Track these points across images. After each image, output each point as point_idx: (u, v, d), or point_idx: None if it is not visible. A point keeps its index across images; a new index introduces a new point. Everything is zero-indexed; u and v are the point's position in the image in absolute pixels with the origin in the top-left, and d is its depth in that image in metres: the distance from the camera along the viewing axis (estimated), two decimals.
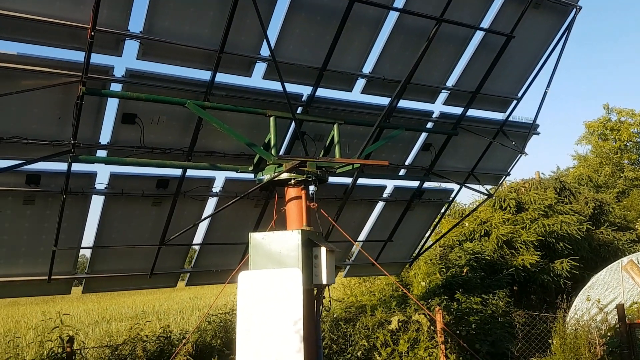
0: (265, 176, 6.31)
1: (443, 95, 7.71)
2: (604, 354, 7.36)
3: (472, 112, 8.11)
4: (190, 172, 6.67)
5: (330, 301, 6.75)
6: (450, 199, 9.30)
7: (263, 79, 6.36)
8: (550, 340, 9.46)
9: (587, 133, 36.68)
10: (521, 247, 13.10)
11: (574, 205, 16.38)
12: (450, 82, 7.57)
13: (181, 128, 6.35)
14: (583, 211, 16.43)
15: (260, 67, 6.34)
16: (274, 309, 5.59)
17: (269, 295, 5.66)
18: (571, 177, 26.15)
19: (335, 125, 6.82)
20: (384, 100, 7.21)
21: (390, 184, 8.53)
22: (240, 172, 6.55)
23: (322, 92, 6.96)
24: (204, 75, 6.07)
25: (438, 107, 7.88)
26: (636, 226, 21.06)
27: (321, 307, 6.32)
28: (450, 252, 12.35)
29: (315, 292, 6.15)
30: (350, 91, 7.12)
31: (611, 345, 6.96)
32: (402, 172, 8.43)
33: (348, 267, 9.58)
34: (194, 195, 6.88)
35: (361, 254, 9.25)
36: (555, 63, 7.69)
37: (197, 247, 7.66)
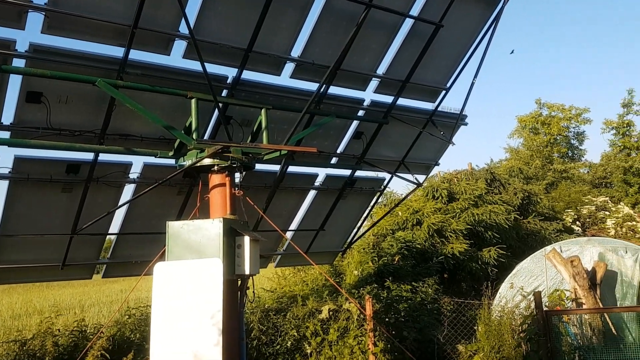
0: (187, 162, 6.02)
1: (374, 83, 7.63)
2: (522, 341, 7.57)
3: (402, 101, 8.10)
4: (105, 157, 6.25)
5: (254, 292, 6.58)
6: (382, 187, 9.29)
7: (183, 58, 6.03)
8: (475, 327, 9.67)
9: (520, 127, 38.23)
10: (451, 236, 13.38)
11: (503, 196, 16.94)
12: (381, 70, 7.49)
13: (92, 108, 5.91)
14: (512, 201, 17.01)
15: (180, 46, 6.00)
16: (192, 302, 5.34)
17: (186, 287, 5.40)
18: (503, 169, 27.14)
19: (263, 110, 6.60)
20: (314, 86, 7.04)
21: (322, 173, 8.42)
22: (159, 157, 6.21)
23: (249, 75, 6.70)
24: (118, 52, 5.67)
25: (369, 95, 7.83)
26: (563, 216, 22.16)
27: (245, 298, 6.12)
28: (383, 241, 12.43)
29: (238, 282, 5.94)
30: (279, 75, 6.89)
31: (529, 332, 7.17)
32: (333, 160, 8.32)
33: (279, 257, 9.40)
34: (109, 182, 6.46)
35: (294, 243, 9.10)
36: (482, 53, 7.76)
37: (113, 237, 7.23)
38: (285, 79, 7.13)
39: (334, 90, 7.38)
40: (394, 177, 8.92)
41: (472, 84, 7.97)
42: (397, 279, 10.90)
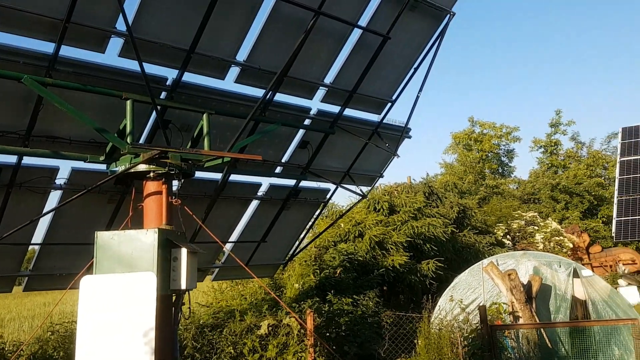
0: (119, 167, 5.58)
1: (321, 92, 7.48)
2: (466, 356, 7.59)
3: (349, 112, 8.00)
4: (29, 160, 5.71)
5: (190, 308, 6.20)
6: (327, 198, 9.13)
7: (119, 56, 5.61)
8: (415, 341, 9.66)
9: (454, 143, 39.50)
10: (392, 248, 13.43)
11: (441, 209, 17.28)
12: (329, 79, 7.35)
13: (17, 108, 5.38)
14: (448, 215, 17.37)
15: (117, 43, 5.58)
16: (122, 319, 4.91)
17: (116, 303, 4.96)
18: (438, 184, 27.86)
19: (204, 115, 6.27)
20: (260, 92, 6.78)
21: (265, 182, 8.14)
22: (89, 162, 5.76)
23: (190, 78, 6.36)
24: (49, 48, 5.19)
25: (316, 104, 7.67)
26: (495, 230, 22.90)
27: (180, 314, 5.73)
28: (325, 253, 12.27)
29: (173, 298, 5.55)
30: (223, 79, 6.59)
31: (473, 347, 7.19)
32: (278, 169, 8.08)
33: (217, 270, 9.00)
34: (33, 187, 5.90)
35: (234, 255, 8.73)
36: (427, 68, 7.82)
37: (37, 248, 6.62)
38: (229, 83, 6.85)
39: (280, 97, 7.17)
40: (338, 189, 8.79)
41: (417, 97, 8.00)
42: (339, 292, 10.74)
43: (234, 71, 6.56)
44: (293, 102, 7.41)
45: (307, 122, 7.71)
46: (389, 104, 8.19)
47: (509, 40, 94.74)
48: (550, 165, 35.96)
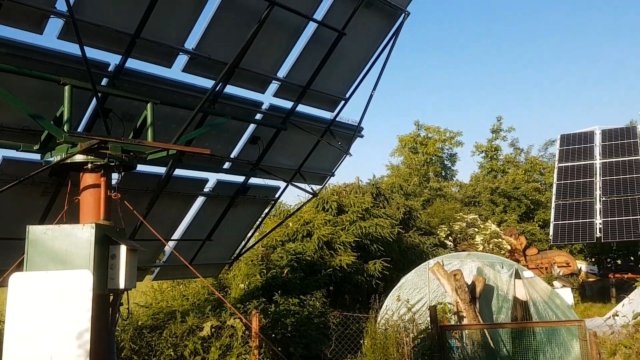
0: (55, 157, 5.20)
1: (274, 86, 7.27)
2: (412, 355, 7.59)
3: (302, 108, 7.84)
4: None
5: (128, 309, 5.87)
6: (276, 196, 8.92)
7: (58, 38, 5.20)
8: (362, 341, 9.61)
9: (400, 146, 40.15)
10: (340, 248, 13.37)
11: (387, 210, 17.41)
12: (282, 73, 7.16)
13: None
14: (395, 216, 17.53)
15: (56, 24, 5.17)
16: (55, 319, 4.55)
17: (48, 302, 4.59)
18: (385, 185, 28.18)
19: (149, 105, 5.94)
20: (209, 83, 6.51)
21: (212, 178, 7.86)
22: (21, 150, 5.33)
23: (135, 65, 6.01)
24: None
25: (268, 98, 7.44)
26: (438, 231, 23.38)
27: (117, 315, 5.39)
28: (273, 253, 12.05)
29: (110, 298, 5.21)
30: (170, 67, 6.27)
31: (422, 347, 7.19)
32: (226, 165, 7.81)
33: (158, 269, 8.60)
34: None
35: (175, 255, 8.36)
36: (382, 67, 7.78)
37: None
38: (176, 72, 6.53)
39: (231, 90, 6.92)
40: (288, 187, 8.61)
41: (371, 96, 7.95)
42: (286, 292, 10.56)
43: (181, 59, 6.26)
44: (244, 95, 7.17)
45: (258, 116, 7.48)
46: (343, 102, 8.10)
47: (456, 45, 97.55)
48: (490, 169, 37.24)
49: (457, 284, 8.77)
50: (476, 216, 27.82)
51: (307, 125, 7.97)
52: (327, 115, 8.26)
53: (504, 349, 9.36)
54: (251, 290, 10.42)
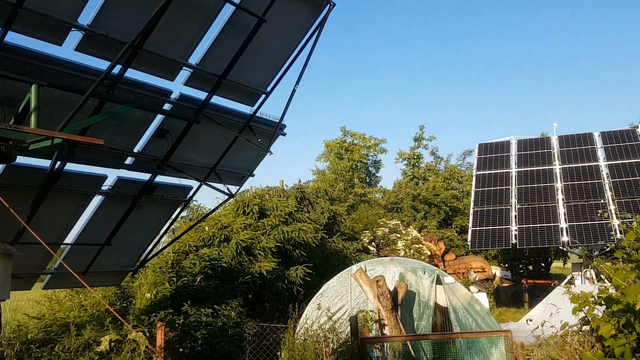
0: None
1: (185, 73, 6.55)
2: None
3: (218, 100, 7.17)
4: None
5: (1, 322, 4.96)
6: (188, 197, 8.15)
7: None
8: (279, 353, 9.02)
9: (326, 151, 40.01)
10: (260, 254, 12.70)
11: (312, 215, 16.97)
12: (195, 60, 6.47)
13: None
14: (319, 220, 17.12)
15: None
16: None
17: None
18: (310, 190, 27.80)
19: (33, 87, 5.09)
20: (103, 65, 5.70)
21: (112, 175, 6.99)
22: None
23: (18, 40, 5.12)
24: None
25: (178, 87, 6.72)
26: (361, 237, 23.29)
27: None
28: (185, 259, 11.16)
29: None
30: (60, 45, 5.43)
31: None
32: (129, 160, 6.97)
33: (49, 276, 7.57)
34: None
35: (71, 260, 7.38)
36: (305, 60, 7.28)
37: None
38: (69, 51, 5.67)
39: (134, 75, 6.13)
40: (204, 187, 7.89)
41: (294, 90, 7.42)
42: (198, 301, 9.73)
43: (74, 36, 5.45)
44: (150, 81, 6.40)
45: (167, 107, 6.72)
46: (264, 96, 7.50)
47: (383, 54, 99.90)
48: (412, 177, 37.93)
49: (379, 290, 8.41)
50: (398, 222, 28.11)
51: (223, 119, 7.30)
52: (246, 109, 7.64)
53: (424, 358, 9.12)
54: (159, 300, 9.51)
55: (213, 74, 6.70)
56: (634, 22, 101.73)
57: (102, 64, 5.83)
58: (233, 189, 8.29)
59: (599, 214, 16.04)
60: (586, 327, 4.88)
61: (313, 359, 8.36)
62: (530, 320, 18.29)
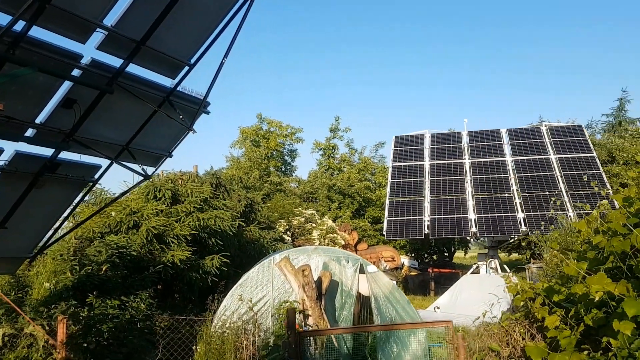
0: None
1: (98, 36, 5.78)
2: None
3: (135, 69, 6.44)
4: None
5: None
6: (96, 177, 7.33)
7: None
8: (194, 347, 8.47)
9: (242, 138, 39.16)
10: (173, 242, 11.95)
11: (228, 202, 16.35)
12: (110, 21, 5.71)
13: None
14: (236, 208, 16.54)
15: None
16: None
17: None
18: (224, 177, 26.97)
19: None
20: (5, 20, 4.86)
21: (10, 148, 6.10)
22: None
23: None
24: None
25: (90, 51, 5.94)
26: (277, 226, 22.96)
27: None
28: (89, 246, 10.20)
29: None
30: None
31: (275, 358, 6.29)
32: (29, 132, 6.10)
33: None
34: None
35: None
36: (235, 31, 6.75)
37: None
38: None
39: (40, 33, 5.30)
40: (110, 169, 7.13)
41: (222, 64, 6.86)
42: (104, 292, 8.92)
43: None
44: (56, 42, 5.58)
45: (76, 72, 5.91)
46: (187, 68, 6.85)
47: (302, 43, 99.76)
48: (327, 167, 38.17)
49: (305, 280, 8.12)
50: (314, 212, 28.10)
51: (140, 91, 6.59)
52: (166, 82, 6.96)
53: (345, 347, 9.00)
54: (59, 291, 8.59)
55: (131, 38, 5.98)
56: (541, 29, 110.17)
57: (2, 19, 4.99)
58: (149, 170, 7.58)
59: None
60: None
61: (232, 352, 7.91)
62: (438, 308, 19.08)
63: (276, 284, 9.35)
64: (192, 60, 6.87)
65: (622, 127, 35.31)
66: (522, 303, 4.36)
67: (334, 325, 8.88)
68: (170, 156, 7.96)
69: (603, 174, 19.00)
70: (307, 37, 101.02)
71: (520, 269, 20.82)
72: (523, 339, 4.34)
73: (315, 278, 8.84)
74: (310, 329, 8.11)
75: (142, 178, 7.40)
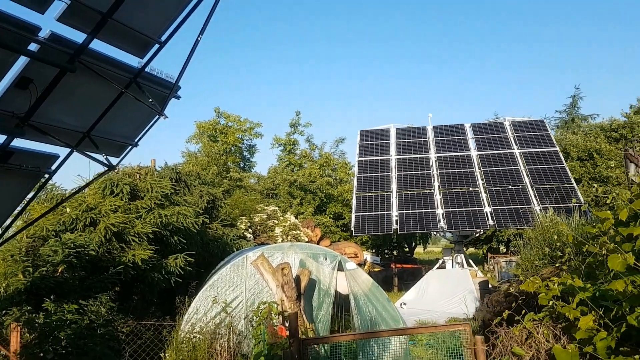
0: None
1: (59, 5, 5.04)
2: None
3: (99, 46, 5.71)
4: None
5: None
6: (54, 168, 6.54)
7: None
8: (162, 354, 7.81)
9: (198, 133, 38.03)
10: (134, 240, 11.15)
11: (189, 198, 15.59)
12: None
13: None
14: (198, 204, 15.80)
15: None
16: None
17: None
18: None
19: None
20: None
21: None
22: None
23: None
24: None
25: (49, 22, 5.22)
26: (238, 223, 22.27)
27: None
28: (43, 246, 9.30)
29: None
30: None
31: None
32: None
33: None
34: None
35: None
36: (212, 7, 6.12)
37: None
38: None
39: None
40: (73, 155, 6.37)
41: (197, 41, 6.21)
42: (60, 296, 8.12)
43: None
44: (13, 12, 4.82)
45: (33, 47, 5.15)
46: (157, 46, 6.15)
47: (261, 38, 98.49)
48: (288, 163, 37.56)
49: (284, 279, 7.59)
50: (276, 208, 27.56)
51: (105, 71, 5.86)
52: (134, 62, 6.25)
53: (322, 349, 8.54)
54: (10, 295, 7.73)
55: (96, 9, 5.26)
56: (503, 28, 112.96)
57: None
58: (113, 161, 6.85)
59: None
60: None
61: (206, 359, 7.31)
62: (404, 304, 18.90)
63: (250, 284, 8.78)
64: (163, 38, 6.17)
65: (575, 124, 36.41)
66: (548, 303, 4.00)
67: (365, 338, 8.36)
68: (136, 145, 7.24)
69: (567, 168, 19.32)
70: (267, 31, 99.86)
71: (477, 264, 20.94)
72: (547, 341, 3.98)
73: (294, 276, 8.33)
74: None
75: (105, 169, 6.67)
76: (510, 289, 10.55)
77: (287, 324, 7.76)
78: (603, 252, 3.71)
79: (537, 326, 4.06)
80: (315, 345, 7.93)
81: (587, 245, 3.99)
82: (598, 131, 33.13)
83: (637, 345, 3.41)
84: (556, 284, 3.86)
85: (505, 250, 32.83)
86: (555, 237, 7.60)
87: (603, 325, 3.52)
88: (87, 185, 8.41)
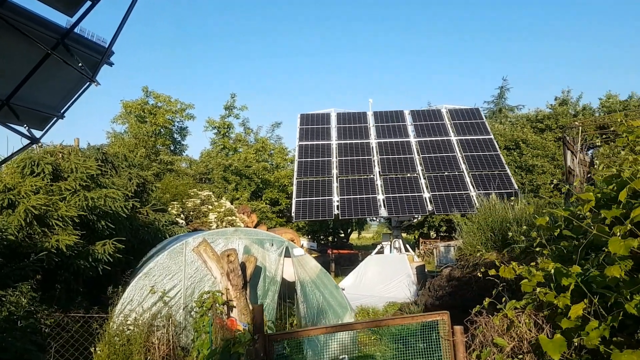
0: None
1: None
2: None
3: (22, 1, 4.90)
4: None
5: None
6: None
7: None
8: (92, 348, 7.08)
9: (125, 113, 36.03)
10: (57, 224, 10.14)
11: (117, 180, 14.53)
12: None
13: None
14: (127, 187, 14.77)
15: None
16: None
17: None
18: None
19: None
20: None
21: None
22: None
23: None
24: None
25: None
26: (169, 208, 21.25)
27: None
28: None
29: None
30: None
31: None
32: None
33: None
34: None
35: None
36: None
37: None
38: None
39: None
40: None
41: (134, 2, 5.50)
42: None
43: None
44: None
45: None
46: (89, 3, 5.40)
47: (196, 15, 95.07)
48: (222, 147, 36.45)
49: (230, 266, 7.07)
50: (210, 193, 26.62)
51: (28, 29, 5.06)
52: (61, 21, 5.45)
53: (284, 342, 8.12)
54: None
55: None
56: (441, 19, 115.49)
57: None
58: (37, 133, 6.01)
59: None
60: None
61: (142, 353, 6.69)
62: (343, 289, 18.81)
63: (189, 272, 8.17)
64: None
65: (502, 114, 37.81)
66: (531, 289, 3.79)
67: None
68: (62, 117, 6.40)
69: (501, 155, 19.88)
70: (202, 10, 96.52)
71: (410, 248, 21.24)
72: (529, 330, 3.78)
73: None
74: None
75: (27, 143, 5.83)
76: (455, 273, 10.57)
77: (235, 316, 7.27)
78: (592, 235, 3.54)
79: (519, 315, 3.86)
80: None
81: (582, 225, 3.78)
82: (524, 121, 34.62)
83: (630, 336, 3.27)
84: (544, 269, 3.66)
85: (435, 235, 33.67)
86: (506, 223, 7.55)
87: (592, 314, 3.35)
88: (5, 161, 7.43)
